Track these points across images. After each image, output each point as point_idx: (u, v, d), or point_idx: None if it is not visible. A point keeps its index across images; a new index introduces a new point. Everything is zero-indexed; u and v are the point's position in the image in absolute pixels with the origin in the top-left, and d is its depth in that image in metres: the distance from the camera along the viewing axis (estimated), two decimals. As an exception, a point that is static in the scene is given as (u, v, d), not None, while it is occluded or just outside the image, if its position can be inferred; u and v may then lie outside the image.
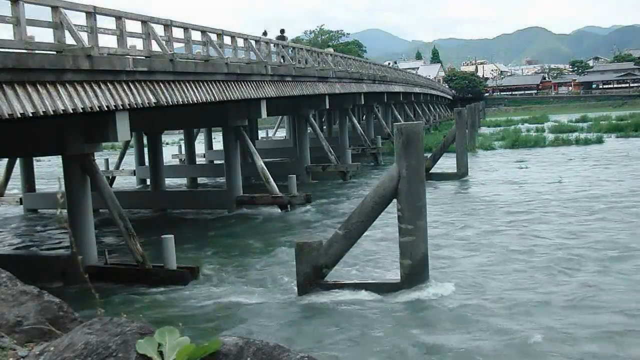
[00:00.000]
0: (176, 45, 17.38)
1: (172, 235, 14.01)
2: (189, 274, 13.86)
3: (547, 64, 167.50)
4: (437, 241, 15.51)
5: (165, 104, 15.70)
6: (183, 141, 38.65)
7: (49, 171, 39.22)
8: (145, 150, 28.61)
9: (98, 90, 12.93)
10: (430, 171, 27.30)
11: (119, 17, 14.44)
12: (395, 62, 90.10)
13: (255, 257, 16.07)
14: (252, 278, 13.90)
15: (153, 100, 14.94)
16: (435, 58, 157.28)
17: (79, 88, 12.40)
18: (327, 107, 31.94)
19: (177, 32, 17.47)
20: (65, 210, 14.41)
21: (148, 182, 28.56)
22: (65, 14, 12.47)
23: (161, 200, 25.09)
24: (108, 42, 14.98)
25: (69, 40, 12.66)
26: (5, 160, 27.11)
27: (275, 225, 20.48)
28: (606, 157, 33.22)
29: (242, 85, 20.45)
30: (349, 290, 11.78)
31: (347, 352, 9.38)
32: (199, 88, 17.43)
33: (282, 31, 27.86)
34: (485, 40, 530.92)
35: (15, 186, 29.42)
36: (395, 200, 11.77)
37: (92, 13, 13.14)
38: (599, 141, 41.93)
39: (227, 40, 20.69)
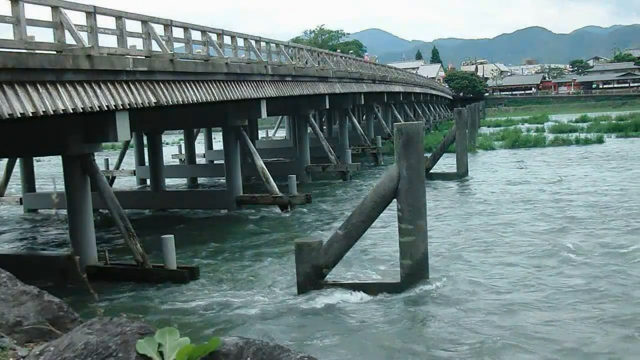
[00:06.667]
0: (176, 45, 17.38)
1: (172, 235, 14.01)
2: (189, 273, 13.86)
3: (547, 64, 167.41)
4: (437, 241, 15.51)
5: (165, 104, 15.70)
6: (183, 141, 38.66)
7: (48, 171, 39.21)
8: (145, 150, 28.62)
9: (98, 90, 12.93)
10: (430, 171, 27.32)
11: (119, 16, 14.44)
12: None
13: (255, 257, 16.06)
14: (252, 278, 13.89)
15: (153, 100, 14.94)
16: (435, 58, 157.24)
17: (79, 88, 12.40)
18: (327, 107, 31.95)
19: (177, 32, 17.47)
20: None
21: (148, 182, 28.56)
22: (65, 13, 12.47)
23: (161, 200, 25.09)
24: (108, 42, 14.99)
25: (69, 40, 12.66)
26: (5, 160, 27.12)
27: (275, 225, 20.47)
28: (606, 157, 33.23)
29: (242, 85, 20.45)
30: (349, 290, 11.77)
31: (347, 352, 9.38)
32: (199, 88, 17.42)
33: None
34: (485, 40, 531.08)
35: (15, 186, 29.43)
36: (395, 200, 11.77)
37: (92, 13, 13.14)
38: (599, 141, 41.95)
39: (227, 40, 20.71)
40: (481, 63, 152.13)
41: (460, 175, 28.47)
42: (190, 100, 16.79)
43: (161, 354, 1.76)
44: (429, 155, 27.04)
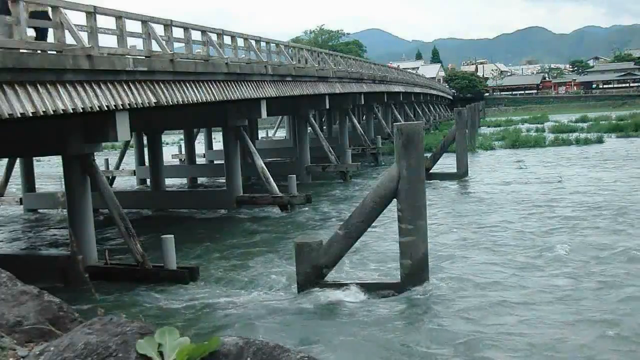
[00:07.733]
0: (176, 45, 17.38)
1: (172, 235, 14.01)
2: (189, 274, 13.87)
3: (547, 64, 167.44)
4: (437, 241, 15.51)
5: (165, 104, 15.70)
6: (183, 141, 38.66)
7: (48, 171, 39.20)
8: (145, 150, 28.62)
9: (98, 90, 12.93)
10: (430, 171, 27.30)
11: (119, 16, 14.44)
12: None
13: (255, 257, 16.06)
14: (252, 278, 13.90)
15: (153, 100, 14.95)
16: (435, 58, 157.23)
17: (79, 88, 12.40)
18: (327, 107, 31.93)
19: (177, 32, 17.46)
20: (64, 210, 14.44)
21: (148, 182, 28.56)
22: (65, 13, 12.47)
23: (161, 200, 25.09)
24: (108, 42, 14.98)
25: (69, 40, 12.66)
26: (5, 160, 27.12)
27: (275, 225, 20.47)
28: (605, 157, 33.23)
29: (242, 85, 20.45)
30: (349, 290, 11.77)
31: (347, 352, 9.38)
32: (199, 88, 17.43)
33: None
34: (485, 40, 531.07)
35: (15, 186, 29.43)
36: (395, 200, 11.77)
37: (92, 13, 13.14)
38: (599, 141, 41.94)
39: (227, 40, 20.70)
40: (481, 63, 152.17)
41: (460, 175, 28.47)
42: (190, 100, 16.80)
43: (161, 353, 1.76)
44: (429, 155, 27.03)
